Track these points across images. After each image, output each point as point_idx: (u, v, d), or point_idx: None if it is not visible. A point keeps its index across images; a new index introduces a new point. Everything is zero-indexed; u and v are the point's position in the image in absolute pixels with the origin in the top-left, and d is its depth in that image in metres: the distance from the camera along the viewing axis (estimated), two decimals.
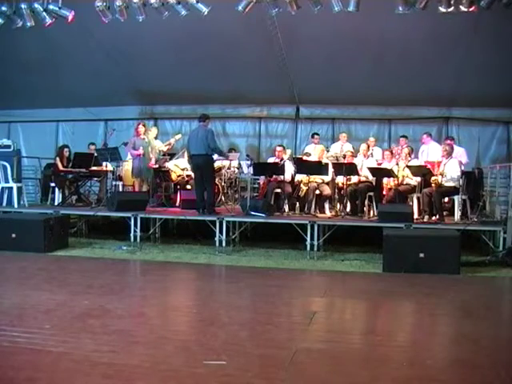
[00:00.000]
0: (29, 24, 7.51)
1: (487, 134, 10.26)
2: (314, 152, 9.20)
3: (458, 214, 7.68)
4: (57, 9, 7.34)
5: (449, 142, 8.76)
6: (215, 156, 8.20)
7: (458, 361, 3.26)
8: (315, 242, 7.02)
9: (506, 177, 8.23)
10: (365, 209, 8.16)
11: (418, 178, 7.85)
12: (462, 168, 8.43)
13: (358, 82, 9.22)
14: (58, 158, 9.13)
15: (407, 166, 7.86)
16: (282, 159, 8.76)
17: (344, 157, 8.68)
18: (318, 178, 8.35)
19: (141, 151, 8.67)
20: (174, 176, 9.34)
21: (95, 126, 11.78)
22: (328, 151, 9.18)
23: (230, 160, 9.06)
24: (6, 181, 8.47)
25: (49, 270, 6.00)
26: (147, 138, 8.97)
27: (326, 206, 8.41)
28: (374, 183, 8.22)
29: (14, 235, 7.00)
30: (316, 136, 10.01)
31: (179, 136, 9.74)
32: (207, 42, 8.52)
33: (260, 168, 8.93)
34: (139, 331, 3.75)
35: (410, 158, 8.10)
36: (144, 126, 9.12)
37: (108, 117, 11.57)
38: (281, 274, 6.08)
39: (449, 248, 6.00)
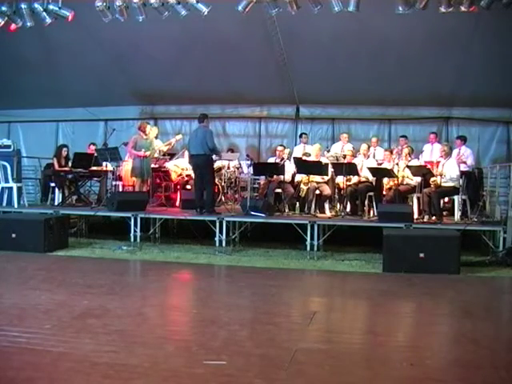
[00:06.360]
0: (29, 24, 7.51)
1: (487, 134, 10.27)
2: (302, 152, 9.24)
3: (457, 214, 7.68)
4: (57, 9, 7.34)
5: (459, 142, 8.81)
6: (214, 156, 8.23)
7: (458, 361, 3.26)
8: (315, 242, 7.02)
9: (506, 177, 8.22)
10: (365, 209, 8.16)
11: (418, 178, 7.86)
12: (467, 169, 8.45)
13: (357, 82, 9.22)
14: (55, 158, 9.13)
15: (407, 166, 7.87)
16: (282, 159, 8.77)
17: (344, 157, 8.68)
18: (318, 178, 8.35)
19: (142, 153, 8.62)
20: (174, 176, 9.34)
21: (95, 126, 11.78)
22: (328, 151, 9.18)
23: (228, 160, 9.05)
24: (6, 181, 8.46)
25: (49, 269, 6.00)
26: (149, 137, 8.97)
27: (326, 206, 8.41)
28: (373, 183, 8.22)
29: (14, 235, 6.99)
30: (304, 135, 10.03)
31: (180, 136, 9.74)
32: (207, 42, 8.53)
33: (260, 168, 8.94)
34: (139, 331, 3.75)
35: (410, 158, 8.11)
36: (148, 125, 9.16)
37: (108, 117, 11.56)
38: (281, 273, 6.07)
39: (449, 248, 6.00)
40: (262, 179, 9.05)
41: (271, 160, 9.20)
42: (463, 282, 5.74)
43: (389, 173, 7.90)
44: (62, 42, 8.65)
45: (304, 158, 8.79)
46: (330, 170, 8.38)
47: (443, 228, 6.91)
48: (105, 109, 11.22)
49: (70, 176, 9.01)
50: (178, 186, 9.31)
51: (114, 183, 9.22)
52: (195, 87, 9.92)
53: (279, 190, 8.57)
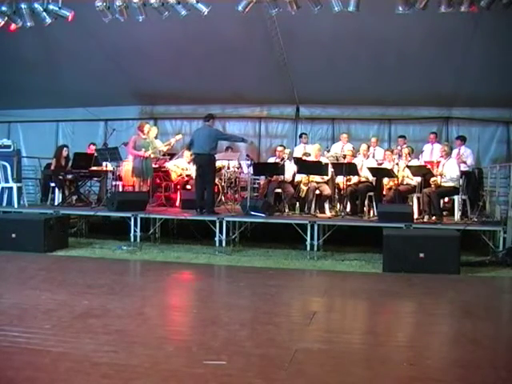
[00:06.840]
0: (29, 24, 7.50)
1: (487, 134, 10.28)
2: (302, 152, 9.26)
3: (457, 214, 7.68)
4: (57, 9, 7.33)
5: (459, 142, 8.83)
6: (216, 156, 8.22)
7: (458, 361, 3.26)
8: (315, 242, 7.02)
9: (506, 177, 8.23)
10: (365, 209, 8.17)
11: (418, 178, 7.86)
12: (467, 169, 8.45)
13: (357, 82, 9.22)
14: (54, 159, 9.10)
15: (407, 166, 7.87)
16: (282, 159, 8.77)
17: (344, 157, 8.68)
18: (318, 178, 8.35)
19: (142, 153, 8.60)
20: (174, 176, 9.34)
21: (95, 126, 11.78)
22: (328, 151, 9.18)
23: (228, 159, 9.05)
24: (6, 181, 8.47)
25: (49, 269, 6.00)
26: (149, 137, 8.97)
27: (326, 206, 8.42)
28: (374, 183, 8.22)
29: (13, 235, 7.00)
30: (304, 136, 10.04)
31: (180, 136, 9.74)
32: (207, 42, 8.52)
33: (260, 168, 8.94)
34: (139, 331, 3.75)
35: (410, 158, 8.11)
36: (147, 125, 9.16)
37: (108, 117, 11.57)
38: (281, 274, 6.08)
39: (449, 248, 6.00)
40: (262, 179, 9.06)
41: (271, 160, 9.21)
42: (463, 282, 5.74)
43: (389, 173, 7.90)
44: (62, 42, 8.65)
45: (304, 158, 8.79)
46: (330, 169, 8.38)
47: (443, 228, 6.91)
48: (105, 109, 11.22)
49: (69, 176, 9.01)
50: (178, 186, 9.30)
51: (113, 183, 9.22)
52: (195, 87, 9.92)
53: (279, 190, 8.57)
